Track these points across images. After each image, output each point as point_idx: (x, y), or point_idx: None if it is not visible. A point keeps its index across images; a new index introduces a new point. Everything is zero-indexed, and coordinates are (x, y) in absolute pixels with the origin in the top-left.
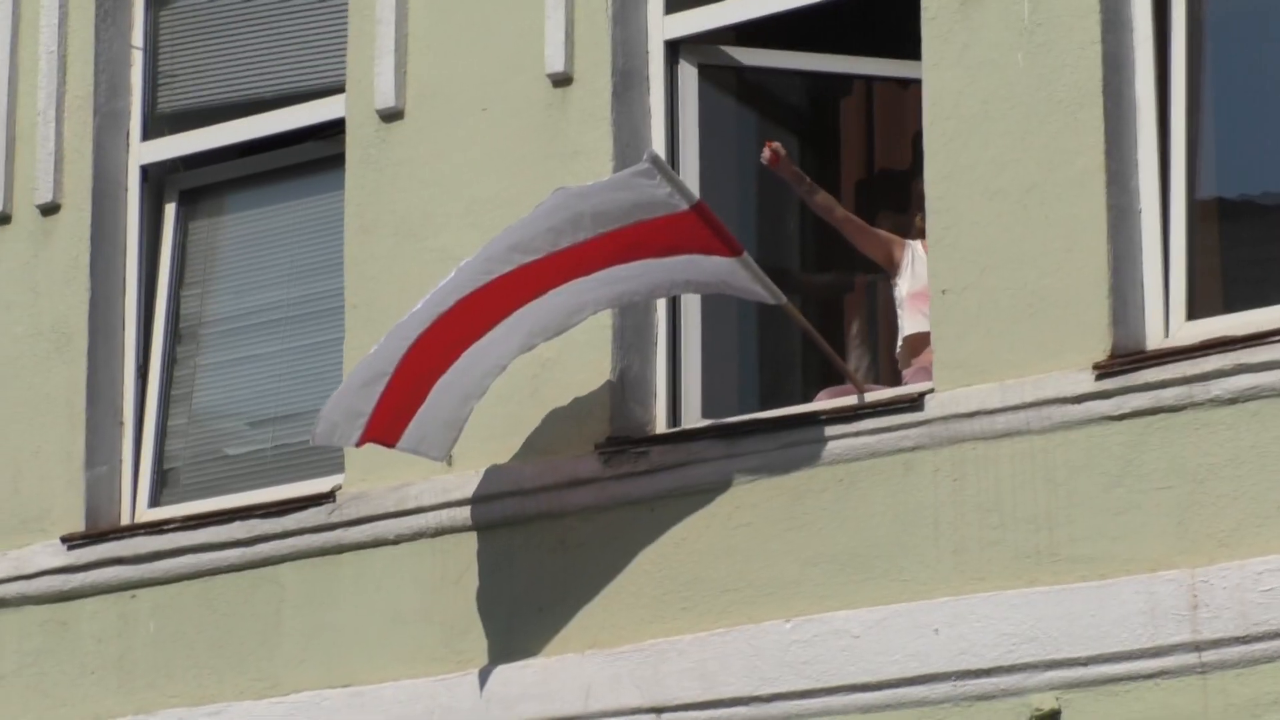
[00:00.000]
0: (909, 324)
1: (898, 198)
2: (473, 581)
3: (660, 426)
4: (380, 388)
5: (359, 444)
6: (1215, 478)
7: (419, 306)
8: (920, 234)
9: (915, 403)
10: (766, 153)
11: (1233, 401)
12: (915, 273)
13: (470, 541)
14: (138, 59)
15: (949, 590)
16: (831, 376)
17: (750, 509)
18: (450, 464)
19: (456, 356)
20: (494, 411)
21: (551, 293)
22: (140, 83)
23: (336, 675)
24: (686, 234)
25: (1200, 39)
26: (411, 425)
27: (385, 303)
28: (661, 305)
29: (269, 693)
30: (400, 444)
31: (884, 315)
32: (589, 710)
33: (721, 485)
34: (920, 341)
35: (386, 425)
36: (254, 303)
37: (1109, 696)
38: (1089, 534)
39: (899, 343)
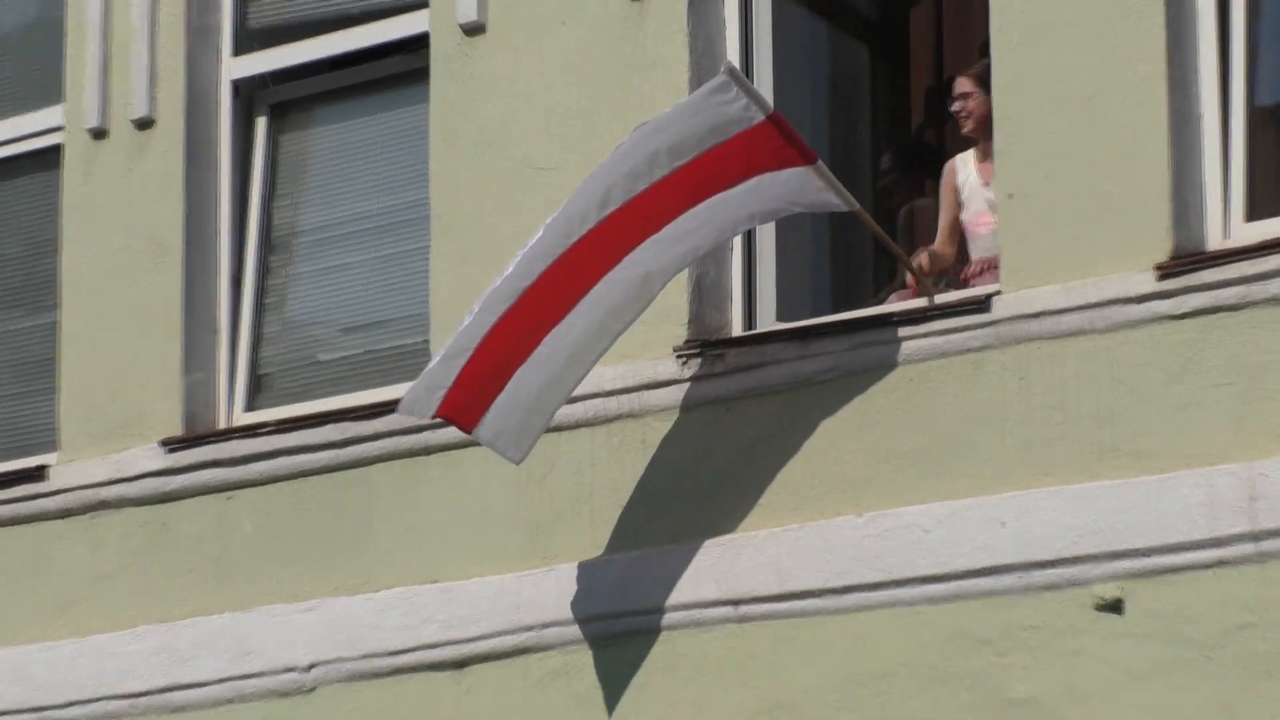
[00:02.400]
0: (974, 248)
1: None
2: (556, 481)
3: (736, 329)
4: (461, 363)
5: (434, 416)
6: (1272, 374)
7: (510, 270)
8: (972, 138)
9: (983, 304)
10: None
11: None
12: (964, 199)
13: (554, 442)
14: None
15: (1016, 485)
16: (902, 279)
17: (823, 408)
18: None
19: (537, 342)
20: None
21: (624, 263)
22: None
23: (426, 572)
24: (760, 149)
25: None
26: (490, 414)
27: (469, 211)
28: None
29: (361, 589)
30: (476, 432)
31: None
32: (669, 603)
33: (795, 385)
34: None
35: (463, 405)
36: (343, 213)
37: (1169, 586)
38: (1150, 429)
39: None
